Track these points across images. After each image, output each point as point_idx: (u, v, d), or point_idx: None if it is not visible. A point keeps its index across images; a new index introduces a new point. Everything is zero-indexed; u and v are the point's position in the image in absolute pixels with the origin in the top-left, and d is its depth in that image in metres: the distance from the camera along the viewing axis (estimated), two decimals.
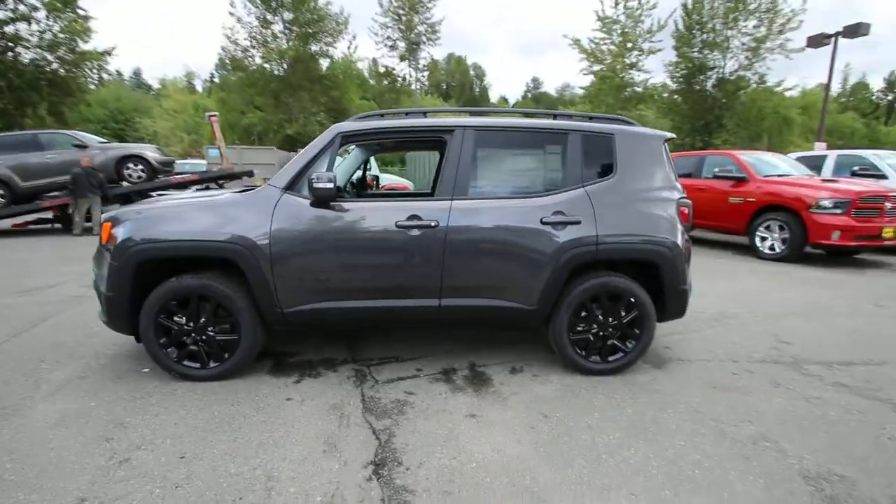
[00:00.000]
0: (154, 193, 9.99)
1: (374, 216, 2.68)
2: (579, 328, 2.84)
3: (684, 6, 22.00)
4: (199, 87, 49.04)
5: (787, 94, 24.31)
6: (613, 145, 2.88)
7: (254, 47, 24.61)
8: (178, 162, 14.47)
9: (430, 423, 2.31)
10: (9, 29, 16.88)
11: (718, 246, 8.22)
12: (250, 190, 2.85)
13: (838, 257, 7.11)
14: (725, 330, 3.76)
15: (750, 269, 6.33)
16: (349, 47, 27.24)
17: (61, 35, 18.10)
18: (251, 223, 2.58)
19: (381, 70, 29.07)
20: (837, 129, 34.65)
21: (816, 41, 14.41)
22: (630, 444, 2.13)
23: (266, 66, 24.95)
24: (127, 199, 10.09)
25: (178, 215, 2.64)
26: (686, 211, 2.91)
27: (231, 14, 23.55)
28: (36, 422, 2.25)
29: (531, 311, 2.78)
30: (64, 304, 4.29)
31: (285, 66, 24.70)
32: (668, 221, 2.82)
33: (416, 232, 2.64)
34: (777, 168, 7.56)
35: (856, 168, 7.99)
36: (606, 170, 2.87)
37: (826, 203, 6.25)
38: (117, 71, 42.49)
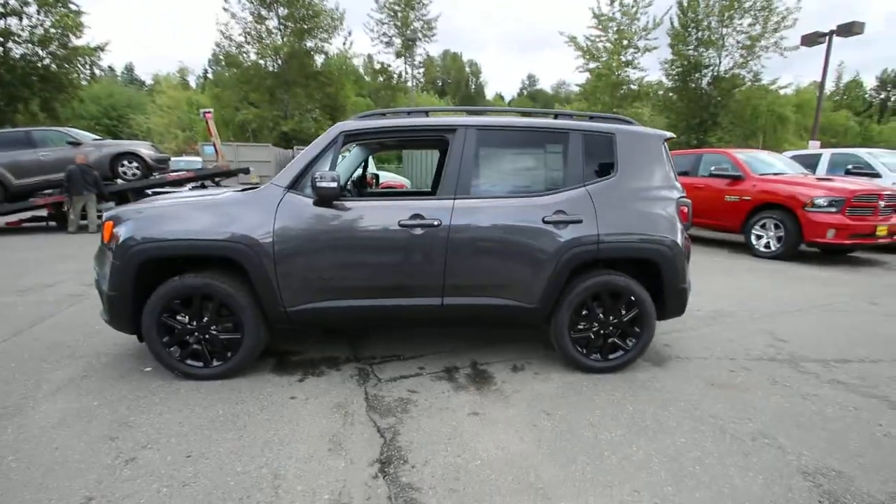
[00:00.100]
0: (150, 192, 9.94)
1: (377, 215, 2.69)
2: (580, 326, 2.87)
3: (680, 4, 22.10)
4: (192, 83, 48.65)
5: (782, 92, 24.52)
6: (614, 145, 2.90)
7: (248, 43, 24.45)
8: (172, 159, 14.38)
9: (434, 421, 2.32)
10: None
11: (714, 244, 8.29)
12: (252, 188, 2.85)
13: (833, 255, 7.19)
14: (722, 328, 3.81)
15: (745, 267, 6.39)
16: (345, 43, 27.07)
17: (53, 30, 17.90)
18: (254, 222, 2.58)
19: (377, 66, 28.94)
20: (831, 128, 34.93)
21: (811, 39, 14.49)
22: (632, 442, 2.16)
23: (261, 62, 24.80)
24: (122, 196, 10.04)
25: (181, 214, 2.63)
26: (686, 210, 2.94)
27: (225, 9, 23.36)
28: (40, 421, 2.25)
29: (533, 310, 2.80)
30: (62, 303, 4.27)
31: (280, 61, 24.55)
32: (668, 220, 2.85)
33: (418, 231, 2.65)
34: (772, 166, 7.62)
35: (850, 166, 8.08)
36: (607, 169, 2.89)
37: (821, 201, 6.32)
38: (109, 67, 42.08)
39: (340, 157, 2.85)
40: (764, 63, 21.67)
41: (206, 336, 2.66)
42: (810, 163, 8.68)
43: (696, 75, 22.68)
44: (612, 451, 2.08)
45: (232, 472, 1.89)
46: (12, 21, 17.07)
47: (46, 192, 9.47)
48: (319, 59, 25.87)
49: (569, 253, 2.72)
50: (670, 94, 23.90)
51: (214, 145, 13.79)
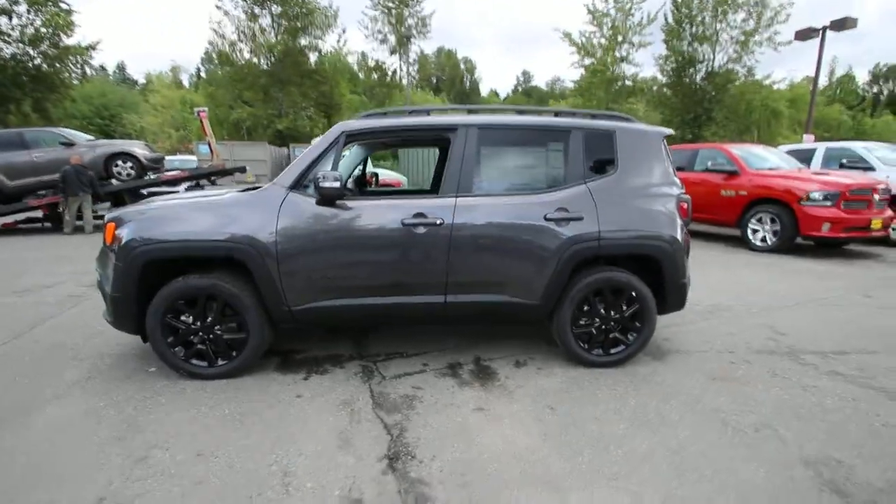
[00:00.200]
0: (145, 192, 9.89)
1: (380, 214, 2.70)
2: (582, 322, 2.90)
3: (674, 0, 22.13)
4: (185, 82, 48.29)
5: (775, 86, 24.64)
6: (615, 142, 2.92)
7: (242, 41, 24.32)
8: (167, 158, 14.29)
9: (440, 417, 2.35)
10: None
11: (711, 238, 8.35)
12: (254, 189, 2.85)
13: (828, 248, 7.27)
14: (721, 321, 3.85)
15: (742, 261, 6.45)
16: (339, 41, 26.97)
17: (43, 29, 17.72)
18: (257, 223, 2.59)
19: (371, 64, 28.88)
20: (824, 122, 35.12)
21: (804, 34, 14.59)
22: (635, 435, 2.19)
23: (254, 60, 24.67)
24: (118, 196, 9.99)
25: (184, 216, 2.63)
26: (685, 206, 2.98)
27: (218, 7, 23.21)
28: (48, 423, 2.26)
29: (535, 306, 2.83)
30: (62, 304, 4.25)
31: (274, 60, 24.43)
32: (668, 217, 2.88)
33: (421, 230, 2.67)
34: (768, 161, 7.68)
35: (844, 160, 8.15)
36: (608, 166, 2.91)
37: (816, 195, 6.38)
38: (101, 66, 41.66)
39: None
40: (758, 58, 21.80)
41: (211, 336, 2.67)
42: (805, 157, 8.75)
43: (691, 70, 22.76)
44: (617, 445, 2.11)
45: (243, 470, 1.90)
46: (2, 20, 16.89)
47: (41, 192, 9.40)
48: (313, 57, 25.75)
49: (570, 250, 2.74)
50: (665, 89, 23.96)
51: (209, 144, 13.72)
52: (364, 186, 4.45)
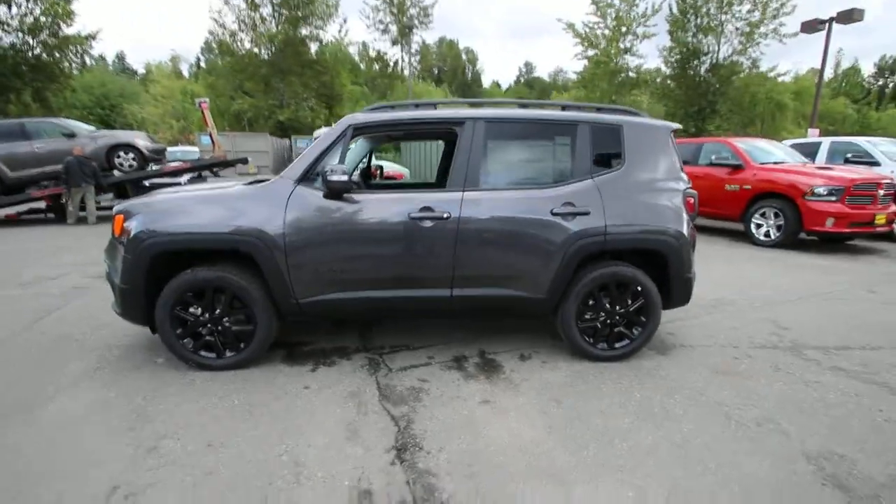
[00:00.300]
0: (147, 183, 9.88)
1: (387, 208, 2.71)
2: (587, 316, 2.92)
3: None
4: (185, 72, 48.00)
5: (780, 79, 24.44)
6: (622, 136, 2.92)
7: (242, 31, 24.15)
8: (168, 149, 14.26)
9: (447, 409, 2.37)
10: None
11: (714, 232, 8.34)
12: (261, 182, 2.86)
13: (831, 244, 7.26)
14: (724, 316, 3.87)
15: (745, 255, 6.45)
16: (340, 31, 26.76)
17: (43, 18, 17.59)
18: (265, 215, 2.59)
19: (373, 54, 28.69)
20: (829, 115, 34.93)
21: (811, 26, 14.42)
22: (640, 428, 2.22)
23: (255, 50, 24.51)
24: (120, 188, 9.98)
25: (193, 208, 2.64)
26: (692, 201, 2.98)
27: None
28: (59, 413, 2.29)
29: (541, 301, 2.84)
30: (67, 296, 4.28)
31: (274, 49, 24.27)
32: (675, 212, 2.88)
33: (428, 223, 2.67)
34: (772, 155, 7.65)
35: (849, 155, 8.11)
36: (615, 161, 2.91)
37: (821, 190, 6.36)
38: (101, 55, 41.35)
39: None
40: (763, 50, 21.60)
41: (219, 328, 2.69)
42: (810, 151, 8.71)
43: (695, 62, 22.57)
44: (622, 438, 2.13)
45: (253, 460, 1.93)
46: (1, 9, 16.76)
47: (44, 184, 9.40)
48: (314, 47, 25.59)
49: (576, 244, 2.75)
50: (668, 81, 23.80)
51: (210, 135, 13.71)
52: (369, 179, 4.45)
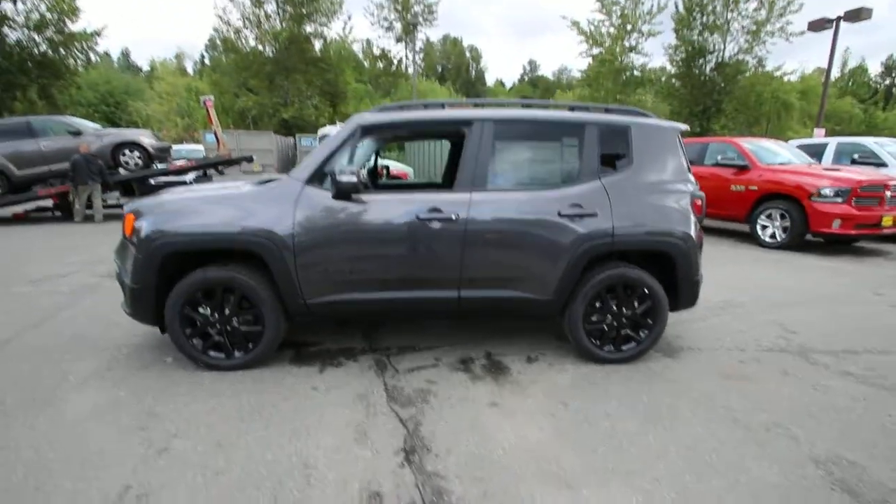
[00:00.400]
0: (152, 181, 9.92)
1: (395, 209, 2.71)
2: (594, 318, 2.92)
3: None
4: (189, 69, 48.11)
5: (786, 78, 24.30)
6: (630, 137, 2.91)
7: (246, 28, 24.18)
8: (173, 147, 14.31)
9: (455, 411, 2.38)
10: None
11: (720, 233, 8.31)
12: (269, 182, 2.86)
13: (837, 245, 7.22)
14: (732, 318, 3.86)
15: (751, 256, 6.43)
16: (344, 28, 26.76)
17: (48, 15, 17.66)
18: (274, 216, 2.60)
19: (377, 52, 28.67)
20: (835, 115, 34.69)
21: (818, 25, 14.32)
22: (648, 431, 2.22)
23: (259, 47, 24.53)
24: (126, 186, 10.03)
25: (203, 209, 2.65)
26: (699, 203, 2.97)
27: None
28: (71, 412, 2.31)
29: (547, 302, 2.84)
30: (77, 294, 4.30)
31: (279, 47, 24.29)
32: (682, 214, 2.88)
33: (436, 224, 2.68)
34: (779, 156, 7.61)
35: (856, 156, 8.06)
36: (623, 162, 2.90)
37: (827, 192, 6.33)
38: (105, 52, 41.47)
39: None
40: (769, 49, 21.48)
41: (228, 328, 2.70)
42: (816, 152, 8.67)
43: (701, 61, 22.48)
44: (631, 441, 2.14)
45: (263, 461, 1.94)
46: (7, 6, 16.84)
47: (51, 182, 9.44)
48: (318, 45, 25.59)
49: (584, 246, 2.75)
50: (674, 80, 23.69)
51: (215, 133, 13.72)
52: (375, 179, 4.45)
